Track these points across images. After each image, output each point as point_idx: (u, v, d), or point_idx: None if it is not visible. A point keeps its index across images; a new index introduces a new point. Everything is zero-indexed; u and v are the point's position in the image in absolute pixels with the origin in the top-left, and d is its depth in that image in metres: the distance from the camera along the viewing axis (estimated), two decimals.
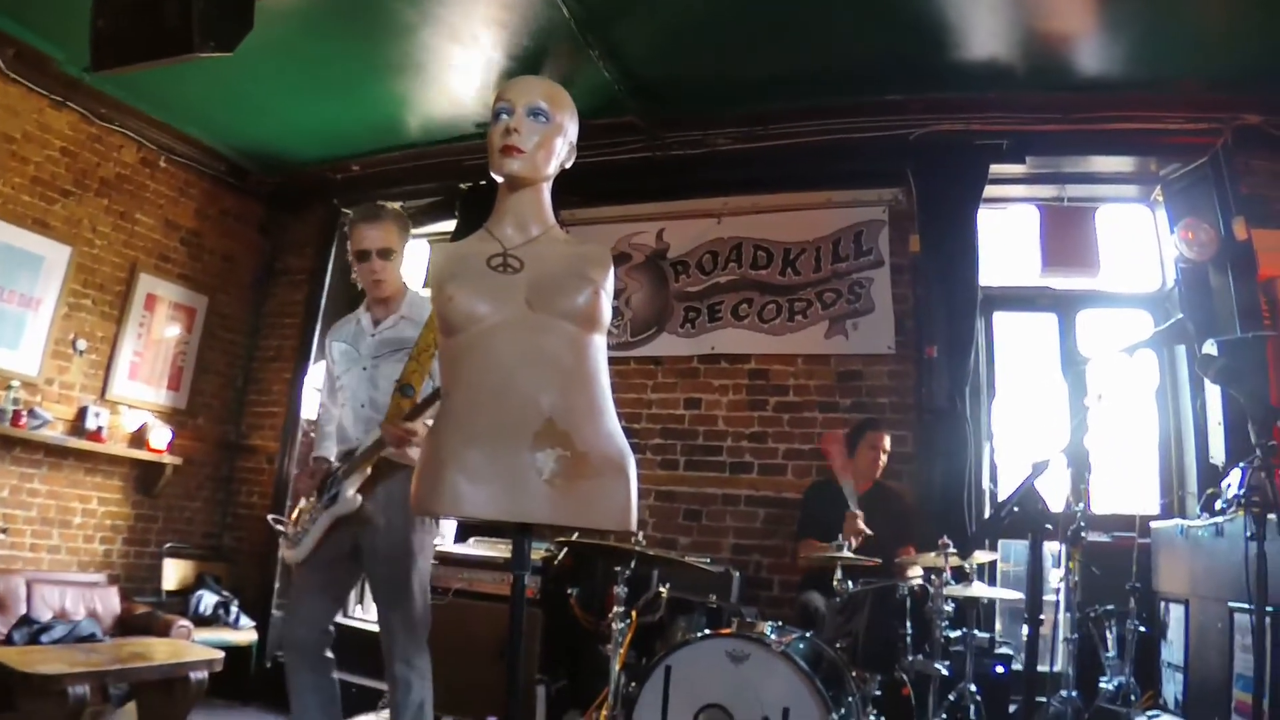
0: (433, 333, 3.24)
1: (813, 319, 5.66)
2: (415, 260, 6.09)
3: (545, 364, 1.99)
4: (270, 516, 4.74)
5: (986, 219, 5.38)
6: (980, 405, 5.23)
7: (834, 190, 5.79)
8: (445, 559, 5.07)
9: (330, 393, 3.58)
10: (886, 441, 4.84)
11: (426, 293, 3.52)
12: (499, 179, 2.15)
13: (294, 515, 3.50)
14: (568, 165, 2.24)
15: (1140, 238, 5.47)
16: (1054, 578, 4.11)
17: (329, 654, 3.33)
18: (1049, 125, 5.18)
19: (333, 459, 3.44)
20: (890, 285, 5.51)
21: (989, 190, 5.24)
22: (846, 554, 3.90)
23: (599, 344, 2.08)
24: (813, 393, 5.61)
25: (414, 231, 6.49)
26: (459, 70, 5.41)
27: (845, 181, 5.74)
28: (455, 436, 1.96)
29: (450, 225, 6.46)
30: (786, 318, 5.72)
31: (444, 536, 5.32)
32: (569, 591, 4.80)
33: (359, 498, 3.23)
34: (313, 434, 6.50)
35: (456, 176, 6.29)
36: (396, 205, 3.70)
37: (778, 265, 5.82)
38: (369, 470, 3.26)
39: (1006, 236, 5.68)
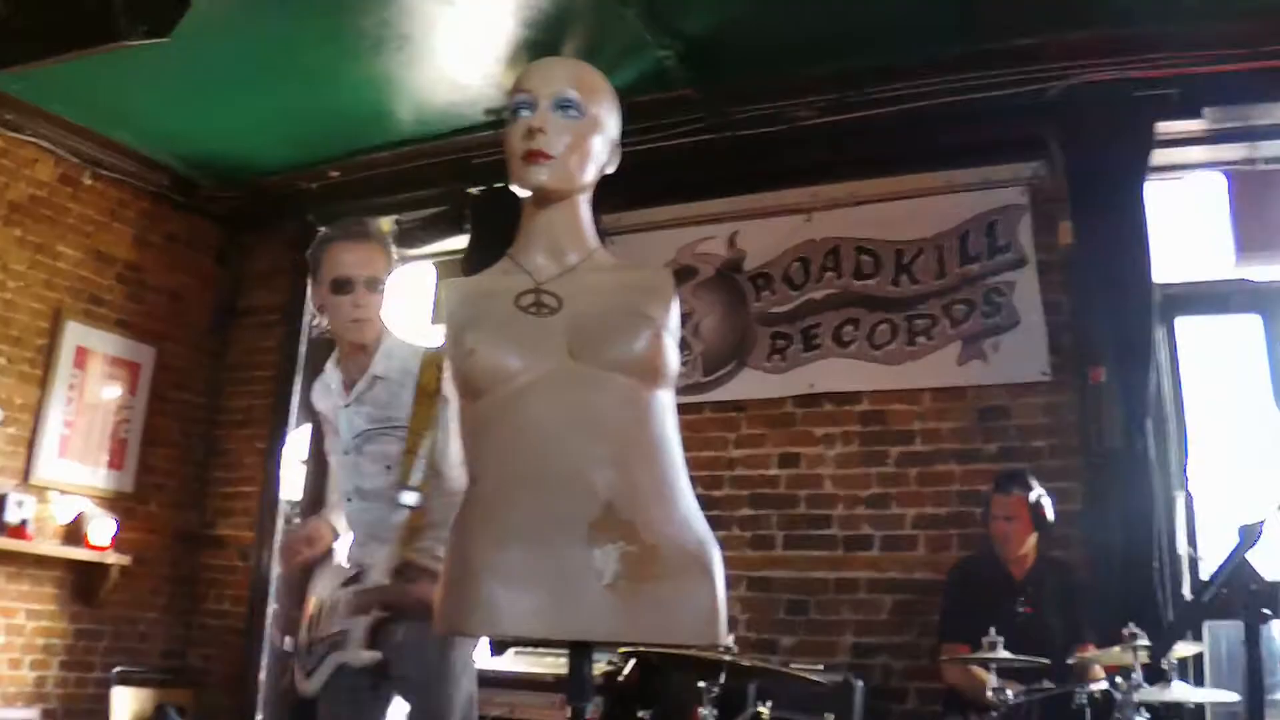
0: (426, 398, 3.19)
1: (940, 341, 5.63)
2: (402, 289, 6.08)
3: (597, 431, 1.98)
4: (285, 639, 4.67)
5: (1157, 194, 5.32)
6: (1168, 443, 5.15)
7: (955, 169, 5.77)
8: (479, 678, 5.06)
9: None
10: (1035, 499, 4.66)
11: (404, 337, 3.44)
12: (522, 193, 2.16)
13: (305, 622, 3.44)
14: (610, 170, 2.24)
15: None
16: None
17: None
18: (1232, 65, 5.08)
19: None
20: (1038, 290, 5.47)
21: (1157, 156, 5.19)
22: (1002, 653, 3.83)
23: (665, 400, 2.06)
24: (946, 438, 5.56)
25: (419, 251, 6.60)
26: (458, 42, 5.43)
27: (969, 157, 5.72)
28: (486, 532, 1.96)
29: (461, 242, 6.48)
30: (905, 341, 5.70)
31: None
32: (640, 716, 4.78)
33: (362, 654, 3.19)
34: (296, 519, 6.61)
35: (464, 179, 6.33)
36: (386, 222, 3.60)
37: (889, 272, 5.81)
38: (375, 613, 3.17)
39: (1185, 216, 5.62)
